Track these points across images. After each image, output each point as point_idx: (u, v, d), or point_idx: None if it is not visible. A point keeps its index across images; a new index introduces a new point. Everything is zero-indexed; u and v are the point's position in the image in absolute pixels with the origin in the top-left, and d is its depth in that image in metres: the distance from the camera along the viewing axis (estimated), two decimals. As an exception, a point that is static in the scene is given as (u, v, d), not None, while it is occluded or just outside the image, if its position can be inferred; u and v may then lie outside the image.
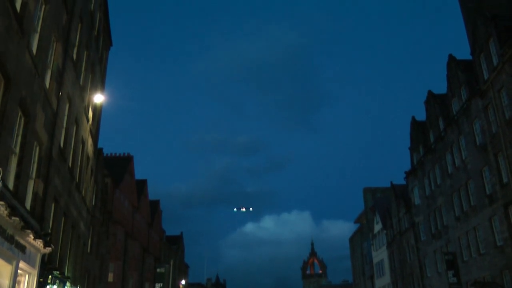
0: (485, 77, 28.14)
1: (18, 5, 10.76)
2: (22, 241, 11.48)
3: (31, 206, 13.22)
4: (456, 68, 33.15)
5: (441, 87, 47.51)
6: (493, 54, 27.28)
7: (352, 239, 77.92)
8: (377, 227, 58.96)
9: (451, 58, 33.94)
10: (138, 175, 48.21)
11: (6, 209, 9.49)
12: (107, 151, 43.15)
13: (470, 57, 31.09)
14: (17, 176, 11.59)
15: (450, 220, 35.04)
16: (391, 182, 51.88)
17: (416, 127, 42.70)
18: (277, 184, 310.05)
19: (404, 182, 47.10)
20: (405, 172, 45.66)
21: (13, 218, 10.03)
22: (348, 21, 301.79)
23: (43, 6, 12.98)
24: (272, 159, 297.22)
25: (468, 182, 31.65)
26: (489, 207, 28.39)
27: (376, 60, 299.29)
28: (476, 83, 29.63)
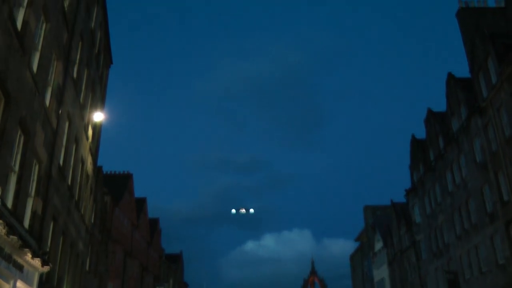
0: (484, 95, 28.23)
1: (19, 24, 10.83)
2: (20, 260, 11.36)
3: (29, 225, 13.12)
4: (455, 86, 33.28)
5: (440, 105, 47.64)
6: (491, 72, 27.41)
7: (352, 258, 77.27)
8: (378, 245, 58.55)
9: (450, 76, 34.09)
10: (138, 193, 47.93)
11: (4, 228, 9.41)
12: (106, 169, 42.93)
13: (469, 75, 31.25)
14: (16, 195, 11.53)
15: (451, 239, 34.82)
16: (391, 200, 51.69)
17: (416, 145, 42.71)
18: (278, 202, 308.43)
19: (404, 200, 46.96)
20: (405, 190, 45.53)
21: (11, 237, 9.94)
22: (348, 39, 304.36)
23: (44, 25, 13.06)
24: (273, 177, 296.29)
25: (469, 200, 31.53)
26: (490, 225, 28.23)
27: (376, 78, 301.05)
28: (475, 101, 29.71)
